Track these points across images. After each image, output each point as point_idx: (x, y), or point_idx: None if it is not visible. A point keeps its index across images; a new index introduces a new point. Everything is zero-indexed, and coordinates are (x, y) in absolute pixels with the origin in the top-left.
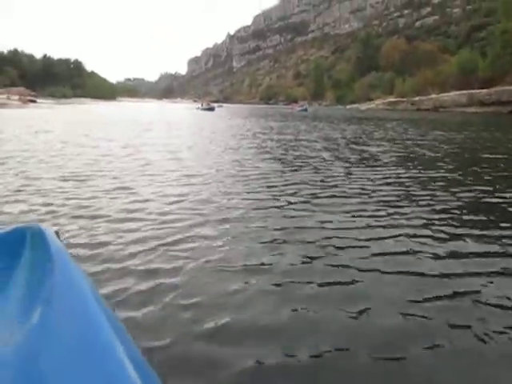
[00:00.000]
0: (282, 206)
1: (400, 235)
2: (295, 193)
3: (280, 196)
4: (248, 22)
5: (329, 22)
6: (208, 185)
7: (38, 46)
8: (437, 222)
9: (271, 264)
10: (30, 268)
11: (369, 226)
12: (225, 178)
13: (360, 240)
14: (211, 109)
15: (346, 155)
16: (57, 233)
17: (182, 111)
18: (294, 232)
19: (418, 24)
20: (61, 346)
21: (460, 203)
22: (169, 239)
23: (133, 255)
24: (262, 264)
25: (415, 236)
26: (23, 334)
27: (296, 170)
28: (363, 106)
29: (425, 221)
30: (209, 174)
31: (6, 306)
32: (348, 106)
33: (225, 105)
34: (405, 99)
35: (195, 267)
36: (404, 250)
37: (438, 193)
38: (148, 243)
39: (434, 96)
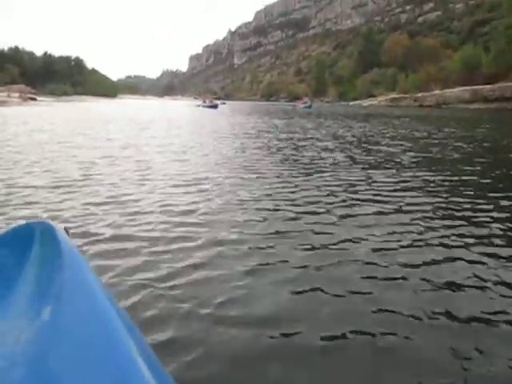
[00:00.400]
0: (309, 221)
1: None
2: (315, 202)
3: (299, 206)
4: (249, 18)
5: (330, 17)
6: (216, 194)
7: (39, 43)
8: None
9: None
10: (40, 264)
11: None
12: (234, 185)
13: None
14: (214, 106)
15: (361, 156)
16: (66, 230)
17: (184, 108)
18: (324, 254)
19: (420, 19)
20: (71, 343)
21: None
22: (178, 265)
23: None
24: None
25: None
26: (33, 331)
27: (310, 174)
28: (365, 103)
29: (473, 240)
30: (216, 181)
31: (16, 303)
32: (351, 103)
33: (227, 102)
34: (407, 95)
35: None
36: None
37: (479, 201)
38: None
39: (437, 92)
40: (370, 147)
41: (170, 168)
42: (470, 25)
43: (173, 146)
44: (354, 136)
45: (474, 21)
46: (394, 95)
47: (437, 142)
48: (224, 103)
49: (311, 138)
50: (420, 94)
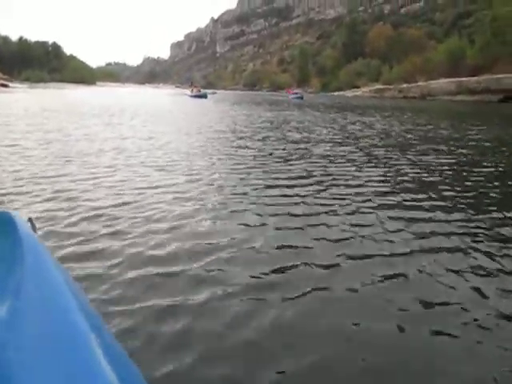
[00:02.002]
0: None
1: None
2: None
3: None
4: (232, 5)
5: (313, 6)
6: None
7: (14, 28)
8: None
9: None
10: None
11: None
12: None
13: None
14: (202, 96)
15: (398, 161)
16: (30, 220)
17: (168, 98)
18: None
19: (403, 10)
20: (31, 339)
21: None
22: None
23: None
24: None
25: None
26: None
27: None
28: (349, 94)
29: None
30: (223, 211)
31: None
32: (335, 93)
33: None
34: (392, 87)
35: None
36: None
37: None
38: None
39: (421, 83)
40: (400, 148)
41: (158, 195)
42: (453, 16)
43: (158, 152)
44: (368, 130)
45: (458, 13)
46: (378, 86)
47: (447, 136)
48: (215, 92)
49: (324, 140)
50: (405, 85)
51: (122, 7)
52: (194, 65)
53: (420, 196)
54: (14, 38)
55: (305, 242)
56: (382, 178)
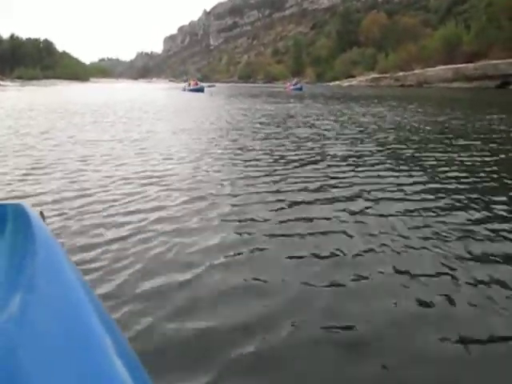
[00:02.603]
0: None
1: None
2: None
3: None
4: None
5: None
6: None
7: (4, 26)
8: None
9: None
10: (10, 250)
11: None
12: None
13: None
14: (200, 89)
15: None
16: (41, 213)
17: (163, 93)
18: None
19: None
20: (41, 337)
21: None
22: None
23: None
24: None
25: None
26: (0, 323)
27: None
28: (345, 83)
29: None
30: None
31: None
32: (330, 84)
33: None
34: (388, 75)
35: None
36: None
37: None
38: None
39: (418, 71)
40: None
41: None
42: (447, 3)
43: (160, 157)
44: (396, 128)
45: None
46: (374, 75)
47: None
48: (213, 85)
49: (345, 140)
50: (401, 74)
51: (114, 2)
52: (188, 58)
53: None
54: (5, 35)
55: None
56: (424, 187)
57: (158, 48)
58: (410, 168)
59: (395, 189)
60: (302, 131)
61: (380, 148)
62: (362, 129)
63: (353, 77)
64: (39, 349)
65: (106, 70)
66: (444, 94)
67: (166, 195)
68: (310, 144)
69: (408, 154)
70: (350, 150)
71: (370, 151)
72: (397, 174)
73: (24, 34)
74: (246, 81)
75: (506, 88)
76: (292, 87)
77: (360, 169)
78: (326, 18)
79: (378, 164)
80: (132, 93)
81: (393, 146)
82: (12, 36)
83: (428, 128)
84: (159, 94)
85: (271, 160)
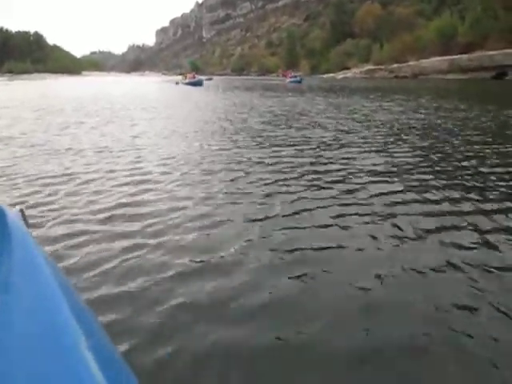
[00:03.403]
0: None
1: None
2: None
3: None
4: None
5: None
6: None
7: None
8: None
9: None
10: None
11: None
12: None
13: None
14: (197, 83)
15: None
16: (22, 211)
17: (158, 86)
18: None
19: None
20: (19, 336)
21: None
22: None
23: None
24: None
25: None
26: None
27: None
28: (340, 75)
29: None
30: None
31: None
32: (325, 76)
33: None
34: (383, 67)
35: None
36: None
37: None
38: None
39: (413, 63)
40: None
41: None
42: None
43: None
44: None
45: None
46: (369, 67)
47: None
48: (210, 79)
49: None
50: (395, 65)
51: None
52: (181, 51)
53: None
54: None
55: None
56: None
57: (150, 41)
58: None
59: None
60: (317, 135)
61: (420, 159)
62: (385, 130)
63: (347, 69)
64: (16, 348)
65: (97, 63)
66: (445, 85)
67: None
68: (330, 153)
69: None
70: (386, 162)
71: (410, 162)
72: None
73: (14, 26)
74: (240, 73)
75: (502, 79)
76: (289, 79)
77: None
78: (319, 9)
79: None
80: (124, 87)
81: (438, 154)
82: (1, 29)
83: (450, 127)
84: (152, 88)
85: (287, 172)
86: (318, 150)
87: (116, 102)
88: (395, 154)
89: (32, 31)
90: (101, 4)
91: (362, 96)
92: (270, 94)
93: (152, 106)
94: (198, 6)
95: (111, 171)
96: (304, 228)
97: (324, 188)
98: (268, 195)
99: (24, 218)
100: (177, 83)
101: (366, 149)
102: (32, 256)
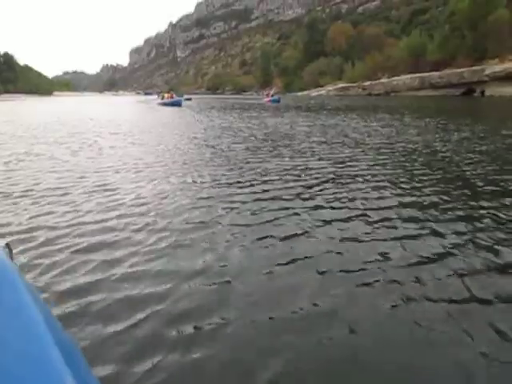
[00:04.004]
0: None
1: None
2: None
3: None
4: (190, 9)
5: (272, 8)
6: None
7: None
8: None
9: None
10: None
11: None
12: None
13: None
14: (176, 103)
15: None
16: (8, 245)
17: (132, 107)
18: None
19: (360, 9)
20: (5, 374)
21: None
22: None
23: None
24: None
25: None
26: None
27: None
28: (314, 93)
29: None
30: None
31: None
32: (299, 94)
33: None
34: (356, 84)
35: None
36: None
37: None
38: None
39: (384, 80)
40: None
41: None
42: (409, 14)
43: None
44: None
45: (413, 10)
46: (342, 84)
47: None
48: (189, 99)
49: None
50: (368, 83)
51: (78, 15)
52: (155, 70)
53: None
54: None
55: None
56: None
57: (124, 60)
58: None
59: None
60: (308, 165)
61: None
62: (384, 156)
63: (321, 86)
64: None
65: (69, 83)
66: (421, 102)
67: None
68: (329, 188)
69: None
70: (402, 202)
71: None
72: None
73: None
74: (214, 92)
75: (470, 95)
76: (269, 99)
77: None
78: (292, 29)
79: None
80: (95, 107)
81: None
82: None
83: (457, 149)
84: (125, 109)
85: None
86: (313, 184)
87: (83, 126)
88: (410, 190)
89: (2, 52)
90: (74, 24)
91: (345, 116)
92: (249, 114)
93: (124, 130)
94: (172, 25)
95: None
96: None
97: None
98: (258, 242)
99: (10, 251)
100: (162, 103)
101: (370, 184)
102: (18, 294)
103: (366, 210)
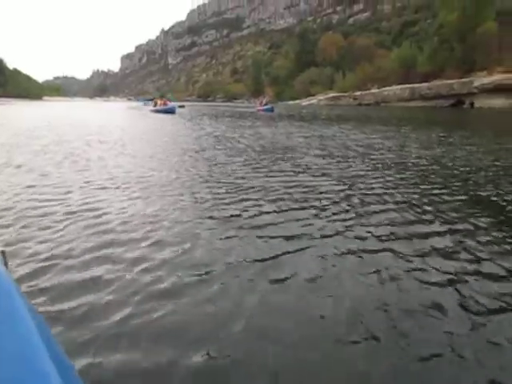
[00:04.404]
0: None
1: None
2: None
3: None
4: (182, 17)
5: (264, 17)
6: None
7: None
8: None
9: None
10: None
11: None
12: None
13: None
14: (170, 111)
15: None
16: (3, 253)
17: (123, 113)
18: None
19: (351, 20)
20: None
21: None
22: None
23: None
24: None
25: None
26: None
27: None
28: (305, 102)
29: None
30: None
31: None
32: (290, 102)
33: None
34: (347, 94)
35: None
36: None
37: None
38: None
39: (375, 91)
40: None
41: None
42: (399, 25)
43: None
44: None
45: (403, 22)
46: (333, 94)
47: None
48: (183, 106)
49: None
50: (359, 93)
51: (71, 19)
52: (146, 77)
53: None
54: None
55: None
56: None
57: (115, 66)
58: None
59: None
60: (312, 183)
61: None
62: (397, 176)
63: (312, 95)
64: None
65: (60, 88)
66: (413, 113)
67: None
68: (339, 214)
69: None
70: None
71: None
72: None
73: None
74: (206, 99)
75: (458, 106)
76: (262, 108)
77: None
78: (283, 38)
79: None
80: (85, 113)
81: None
82: None
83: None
84: (116, 115)
85: None
86: (324, 206)
87: (71, 133)
88: (434, 215)
89: None
90: (66, 29)
91: (341, 127)
92: (242, 123)
93: (114, 138)
94: (164, 32)
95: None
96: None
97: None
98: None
99: (5, 259)
100: (154, 110)
101: (390, 206)
102: (13, 301)
103: (394, 240)
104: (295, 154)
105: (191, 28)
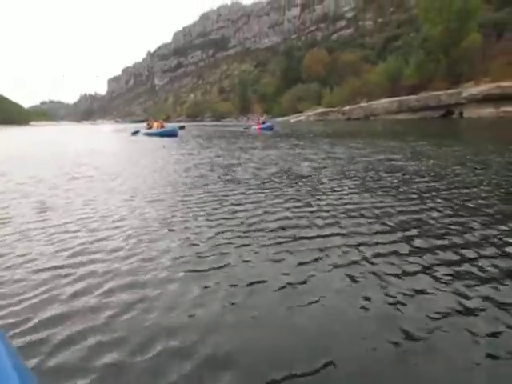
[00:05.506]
0: None
1: None
2: None
3: None
4: (168, 39)
5: (249, 36)
6: None
7: None
8: None
9: None
10: None
11: None
12: None
13: None
14: (171, 133)
15: None
16: None
17: (111, 137)
18: None
19: (334, 37)
20: None
21: None
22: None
23: None
24: None
25: None
26: None
27: None
28: (293, 119)
29: None
30: None
31: None
32: (278, 119)
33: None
34: (335, 109)
35: None
36: None
37: None
38: None
39: (363, 104)
40: None
41: None
42: (382, 40)
43: None
44: None
45: (386, 37)
46: (322, 109)
47: None
48: (183, 127)
49: None
50: (348, 107)
51: (56, 43)
52: (133, 99)
53: None
54: None
55: None
56: None
57: (102, 89)
58: None
59: None
60: (337, 226)
61: None
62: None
63: (300, 112)
64: None
65: (46, 112)
66: (404, 126)
67: None
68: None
69: None
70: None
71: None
72: None
73: None
74: (194, 119)
75: (448, 117)
76: (262, 126)
77: None
78: (268, 57)
79: None
80: (70, 139)
81: None
82: None
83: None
84: (105, 140)
85: None
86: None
87: (52, 164)
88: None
89: None
90: (51, 54)
91: (342, 145)
92: (238, 145)
93: (101, 172)
94: (150, 55)
95: None
96: None
97: None
98: None
99: None
100: (134, 133)
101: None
102: None
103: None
104: (318, 186)
105: (177, 49)
